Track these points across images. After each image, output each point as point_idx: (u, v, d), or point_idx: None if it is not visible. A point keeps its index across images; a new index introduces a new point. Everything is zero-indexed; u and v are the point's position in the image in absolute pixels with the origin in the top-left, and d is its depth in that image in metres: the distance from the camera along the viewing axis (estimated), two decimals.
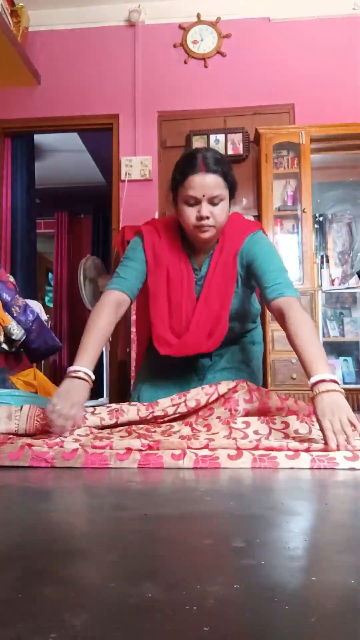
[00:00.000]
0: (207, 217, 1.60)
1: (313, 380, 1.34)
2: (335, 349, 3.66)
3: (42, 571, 0.54)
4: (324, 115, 3.85)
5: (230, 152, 3.97)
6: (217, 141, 3.99)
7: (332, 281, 3.71)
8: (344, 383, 3.52)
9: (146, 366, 1.99)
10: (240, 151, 3.97)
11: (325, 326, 3.63)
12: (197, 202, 1.60)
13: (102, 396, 4.08)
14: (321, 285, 3.60)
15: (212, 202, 1.60)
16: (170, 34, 4.13)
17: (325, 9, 4.00)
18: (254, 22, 4.08)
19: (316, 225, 3.85)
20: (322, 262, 3.75)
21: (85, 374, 1.44)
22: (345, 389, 3.69)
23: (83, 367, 1.45)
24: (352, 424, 1.25)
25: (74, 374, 1.43)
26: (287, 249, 3.77)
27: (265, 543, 0.64)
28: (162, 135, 4.09)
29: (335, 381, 1.33)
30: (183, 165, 1.62)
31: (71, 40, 4.22)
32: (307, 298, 3.51)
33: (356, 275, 3.67)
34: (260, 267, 1.66)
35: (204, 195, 1.59)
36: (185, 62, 4.09)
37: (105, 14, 4.14)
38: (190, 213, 1.62)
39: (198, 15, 4.08)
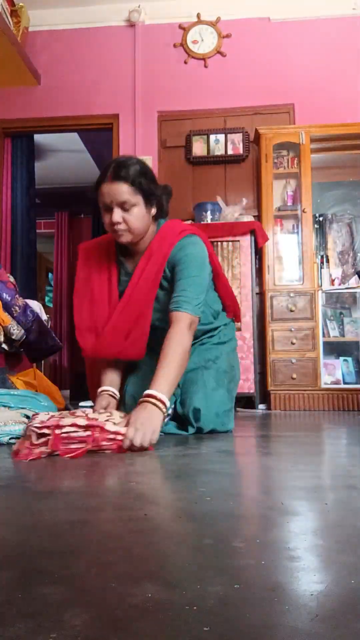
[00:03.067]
0: (119, 223, 1.71)
1: (146, 392, 1.52)
2: (335, 349, 3.66)
3: (42, 571, 0.54)
4: (324, 115, 3.85)
5: (230, 152, 3.97)
6: (217, 141, 3.99)
7: (332, 281, 3.71)
8: (344, 383, 3.52)
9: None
10: (240, 151, 3.97)
11: (325, 326, 3.63)
12: (109, 208, 1.71)
13: None
14: (321, 285, 3.60)
15: (123, 208, 1.70)
16: (170, 34, 4.13)
17: (325, 9, 4.00)
18: (254, 22, 4.08)
19: (316, 225, 3.85)
20: (322, 262, 3.75)
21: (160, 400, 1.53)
22: (345, 389, 3.68)
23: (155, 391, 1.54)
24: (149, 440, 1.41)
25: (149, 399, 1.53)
26: (287, 249, 3.77)
27: (265, 543, 0.64)
28: (162, 135, 4.09)
29: (162, 402, 1.51)
30: (100, 174, 1.74)
31: (71, 40, 4.22)
32: (307, 298, 3.51)
33: (356, 275, 3.67)
34: (177, 273, 1.76)
35: (112, 202, 1.69)
36: (185, 62, 4.09)
37: (105, 14, 4.14)
38: (106, 219, 1.74)
39: (198, 15, 4.08)
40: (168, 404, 1.54)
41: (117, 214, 1.70)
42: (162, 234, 1.82)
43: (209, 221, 3.65)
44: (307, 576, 0.53)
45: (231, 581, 0.51)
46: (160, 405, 1.51)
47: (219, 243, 3.55)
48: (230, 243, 3.54)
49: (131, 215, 1.71)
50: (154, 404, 1.50)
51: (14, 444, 1.53)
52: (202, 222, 3.64)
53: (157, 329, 1.81)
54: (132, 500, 0.89)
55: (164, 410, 1.52)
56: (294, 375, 3.43)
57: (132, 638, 0.41)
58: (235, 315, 2.14)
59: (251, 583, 0.51)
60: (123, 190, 1.68)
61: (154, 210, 1.80)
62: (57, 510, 0.81)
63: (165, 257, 1.78)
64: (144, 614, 0.44)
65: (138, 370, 1.97)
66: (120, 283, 1.89)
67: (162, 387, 1.54)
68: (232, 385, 1.98)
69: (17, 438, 1.56)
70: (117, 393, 1.82)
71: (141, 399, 1.53)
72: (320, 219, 3.88)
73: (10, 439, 1.55)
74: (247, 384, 3.37)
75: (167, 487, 0.99)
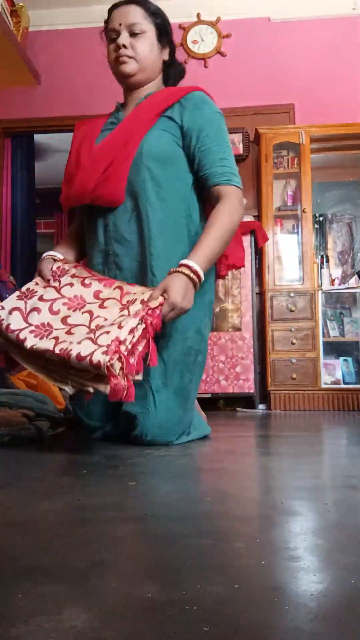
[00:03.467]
0: (125, 46, 1.56)
1: (181, 261, 1.38)
2: (335, 349, 3.66)
3: (42, 571, 0.54)
4: (324, 115, 3.85)
5: None
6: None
7: (332, 281, 3.71)
8: (344, 383, 3.52)
9: None
10: (240, 151, 3.96)
11: (325, 326, 3.62)
12: (117, 34, 1.58)
13: None
14: (321, 285, 3.60)
15: (132, 32, 1.56)
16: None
17: (325, 9, 4.00)
18: (254, 22, 4.08)
19: (316, 225, 3.84)
20: (322, 262, 3.75)
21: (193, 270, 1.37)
22: (345, 389, 3.68)
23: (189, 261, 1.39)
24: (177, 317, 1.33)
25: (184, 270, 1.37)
26: (287, 249, 3.77)
27: (265, 543, 0.64)
28: None
29: (198, 275, 1.37)
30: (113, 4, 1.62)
31: (71, 40, 4.21)
32: (307, 298, 3.51)
33: (356, 275, 3.67)
34: (206, 142, 1.52)
35: (120, 24, 1.57)
36: (185, 62, 4.09)
37: (105, 14, 4.13)
38: (112, 48, 1.61)
39: (198, 15, 4.08)
40: (203, 278, 1.38)
41: (125, 37, 1.56)
42: (171, 89, 1.63)
43: None
44: (307, 576, 0.53)
45: (231, 581, 0.51)
46: (195, 278, 1.35)
47: None
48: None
49: (140, 41, 1.56)
50: (188, 276, 1.35)
51: (14, 444, 1.53)
52: None
53: (154, 210, 1.52)
54: (132, 500, 0.89)
55: (198, 285, 1.38)
56: (294, 375, 3.43)
57: (132, 638, 0.41)
58: (236, 263, 1.84)
59: (251, 583, 0.51)
60: (136, 12, 1.56)
61: (165, 55, 1.64)
62: (57, 510, 0.81)
63: (168, 101, 1.54)
64: (144, 614, 0.44)
65: None
66: (105, 129, 1.66)
67: (201, 258, 1.38)
68: (186, 379, 1.52)
69: (17, 438, 1.56)
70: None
71: (173, 269, 1.36)
72: (320, 219, 3.88)
73: (10, 439, 1.55)
74: (247, 384, 3.37)
75: (167, 487, 0.99)
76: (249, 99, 4.01)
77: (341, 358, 3.63)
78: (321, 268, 3.71)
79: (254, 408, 3.38)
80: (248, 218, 3.71)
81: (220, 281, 3.60)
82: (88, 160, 1.54)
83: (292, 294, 3.52)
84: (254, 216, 3.85)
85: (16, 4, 3.93)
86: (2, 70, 3.94)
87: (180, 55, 4.11)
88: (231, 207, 1.47)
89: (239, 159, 3.98)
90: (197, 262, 1.37)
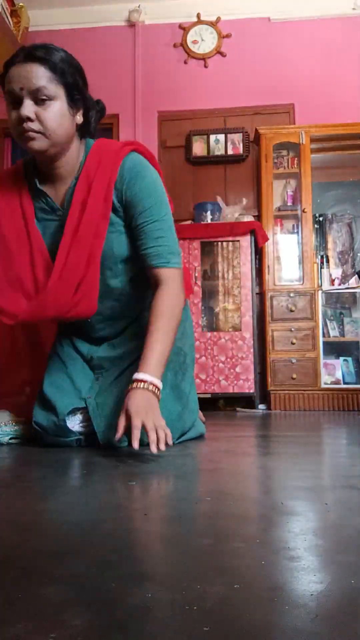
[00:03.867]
0: (29, 119, 1.27)
1: (136, 375, 1.27)
2: (335, 349, 3.66)
3: (42, 571, 0.54)
4: (324, 115, 3.85)
5: (230, 152, 3.97)
6: (217, 141, 3.99)
7: (332, 281, 3.71)
8: (344, 383, 3.52)
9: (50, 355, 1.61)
10: (240, 151, 3.97)
11: (325, 326, 3.63)
12: (18, 99, 1.28)
13: None
14: (321, 285, 3.60)
15: (37, 99, 1.27)
16: (170, 34, 4.13)
17: (325, 9, 4.00)
18: (254, 22, 4.08)
19: (316, 225, 3.85)
20: (322, 262, 3.75)
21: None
22: (345, 389, 3.68)
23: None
24: (159, 428, 1.20)
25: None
26: (287, 249, 3.77)
27: (265, 543, 0.64)
28: (162, 135, 4.09)
29: (157, 387, 1.27)
30: (9, 58, 1.31)
31: (71, 40, 4.21)
32: (307, 298, 3.51)
33: (356, 275, 3.67)
34: (141, 215, 1.38)
35: (22, 89, 1.26)
36: (185, 62, 4.09)
37: (105, 14, 4.14)
38: (13, 116, 1.30)
39: (198, 15, 4.08)
40: (160, 386, 1.29)
41: (28, 106, 1.26)
42: (96, 152, 1.41)
43: (209, 221, 3.65)
44: (307, 576, 0.53)
45: (231, 581, 0.51)
46: (155, 390, 1.26)
47: (219, 243, 3.56)
48: (230, 243, 3.54)
49: (47, 110, 1.28)
50: (149, 390, 1.25)
51: (14, 443, 1.53)
52: (202, 222, 3.64)
53: (111, 292, 1.46)
54: (132, 500, 0.89)
55: (159, 396, 1.28)
56: (294, 375, 3.43)
57: (132, 638, 0.40)
58: (186, 286, 1.52)
59: (251, 583, 0.51)
60: (39, 74, 1.26)
61: (79, 118, 1.38)
62: (57, 510, 0.81)
63: (112, 181, 1.37)
64: (144, 614, 0.44)
65: (49, 372, 1.51)
66: (39, 220, 1.44)
67: (153, 368, 1.28)
68: (179, 377, 1.53)
69: (17, 438, 1.56)
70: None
71: (130, 386, 1.27)
72: (320, 219, 3.88)
73: (10, 439, 1.55)
74: (247, 384, 3.37)
75: (167, 487, 0.99)
76: (249, 99, 4.01)
77: (341, 358, 3.63)
78: (321, 268, 3.71)
79: (254, 408, 3.38)
80: (248, 218, 3.72)
81: (221, 281, 3.61)
82: (52, 282, 1.39)
83: (292, 294, 3.52)
84: (254, 216, 3.85)
85: (16, 4, 3.93)
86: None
87: (180, 55, 4.14)
88: (171, 297, 1.36)
89: (239, 159, 3.98)
90: (152, 374, 1.27)
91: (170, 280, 1.38)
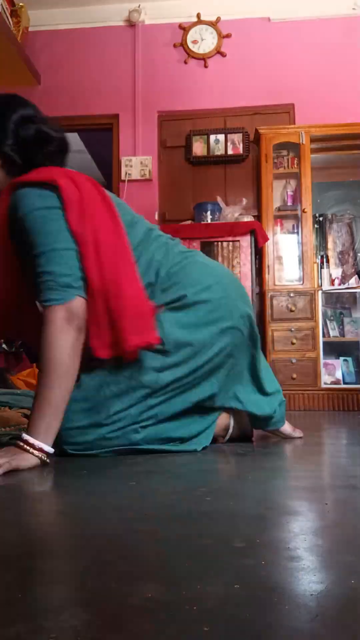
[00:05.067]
0: None
1: (24, 436, 1.18)
2: (335, 349, 3.66)
3: (42, 571, 0.54)
4: (324, 115, 3.85)
5: (230, 152, 3.97)
6: (217, 141, 3.99)
7: (332, 281, 3.71)
8: (344, 383, 3.53)
9: None
10: (240, 151, 3.97)
11: (325, 326, 3.63)
12: None
13: None
14: (321, 285, 3.60)
15: None
16: (170, 34, 4.13)
17: (325, 9, 4.00)
18: (254, 22, 4.08)
19: (316, 225, 3.85)
20: (322, 262, 3.75)
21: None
22: (345, 389, 3.67)
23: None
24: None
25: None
26: (287, 249, 3.78)
27: (265, 543, 0.64)
28: (162, 135, 4.09)
29: (38, 448, 1.16)
30: None
31: (71, 40, 4.21)
32: (307, 298, 3.51)
33: (356, 275, 3.67)
34: (29, 255, 1.28)
35: None
36: (185, 62, 4.09)
37: (105, 14, 4.14)
38: None
39: (198, 15, 4.08)
40: (48, 449, 1.18)
41: None
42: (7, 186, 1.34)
43: (209, 221, 3.65)
44: (307, 576, 0.53)
45: (231, 581, 0.51)
46: (35, 452, 1.16)
47: (219, 243, 3.56)
48: (230, 243, 3.54)
49: None
50: (25, 449, 1.16)
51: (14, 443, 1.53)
52: (202, 222, 3.64)
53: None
54: (132, 500, 0.89)
55: (43, 457, 1.17)
56: (294, 375, 3.43)
57: (132, 638, 0.40)
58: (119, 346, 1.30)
59: (251, 583, 0.51)
60: None
61: (5, 147, 1.32)
62: (57, 511, 0.81)
63: (4, 215, 1.31)
64: (144, 614, 0.44)
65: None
66: None
67: (38, 430, 1.18)
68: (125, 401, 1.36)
69: (17, 438, 1.56)
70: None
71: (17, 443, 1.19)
72: (320, 219, 3.88)
73: (10, 439, 1.54)
74: None
75: (167, 487, 0.99)
76: (249, 99, 4.01)
77: (341, 358, 3.63)
78: (321, 268, 3.71)
79: None
80: (248, 218, 3.71)
81: None
82: None
83: (292, 294, 3.52)
84: (254, 216, 3.85)
85: (16, 4, 3.93)
86: (2, 70, 3.93)
87: (180, 55, 4.14)
88: (47, 342, 1.21)
89: (239, 159, 3.98)
90: (35, 433, 1.18)
91: (47, 321, 1.23)
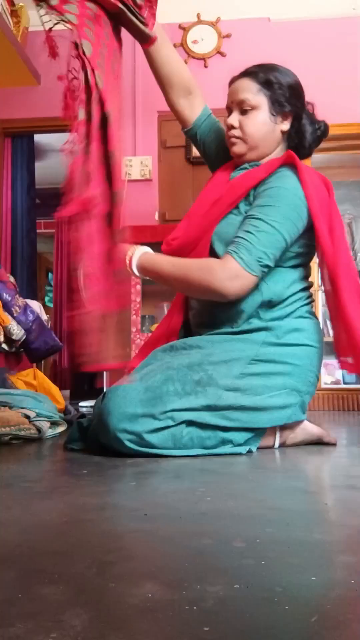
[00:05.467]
0: (232, 127, 1.47)
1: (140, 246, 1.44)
2: None
3: (42, 571, 0.54)
4: (323, 115, 3.84)
5: None
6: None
7: None
8: (344, 383, 3.52)
9: None
10: None
11: (325, 326, 3.62)
12: (230, 112, 1.53)
13: None
14: (321, 285, 3.60)
15: (242, 109, 1.47)
16: (170, 34, 4.11)
17: (325, 9, 4.00)
18: (254, 22, 4.08)
19: None
20: None
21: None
22: (345, 389, 3.67)
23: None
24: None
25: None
26: None
27: (265, 543, 0.64)
28: (162, 135, 4.09)
29: (130, 259, 1.40)
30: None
31: (71, 41, 4.21)
32: None
33: None
34: (251, 210, 1.40)
35: (232, 102, 1.49)
36: (185, 62, 4.09)
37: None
38: (227, 126, 1.53)
39: (198, 15, 4.08)
40: (134, 268, 1.40)
41: (234, 116, 1.48)
42: (269, 162, 1.46)
43: None
44: (307, 576, 0.53)
45: (231, 581, 0.51)
46: (130, 254, 1.40)
47: None
48: None
49: (249, 119, 1.45)
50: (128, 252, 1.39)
51: (14, 444, 1.53)
52: None
53: None
54: (132, 500, 0.89)
55: (129, 265, 1.40)
56: None
57: (132, 638, 0.41)
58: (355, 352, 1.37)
59: (251, 583, 0.51)
60: (244, 87, 1.46)
61: (285, 126, 1.48)
62: (57, 510, 0.81)
63: (257, 181, 1.43)
64: (144, 614, 0.44)
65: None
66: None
67: (146, 259, 1.41)
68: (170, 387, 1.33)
69: (17, 438, 1.56)
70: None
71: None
72: None
73: (10, 439, 1.55)
74: None
75: (167, 487, 0.99)
76: None
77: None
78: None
79: None
80: None
81: None
82: (183, 225, 1.62)
83: None
84: None
85: (16, 4, 3.93)
86: (2, 70, 3.94)
87: (180, 55, 4.12)
88: (210, 267, 1.35)
89: None
90: (140, 258, 1.40)
91: (224, 263, 1.34)
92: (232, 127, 1.47)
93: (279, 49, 4.02)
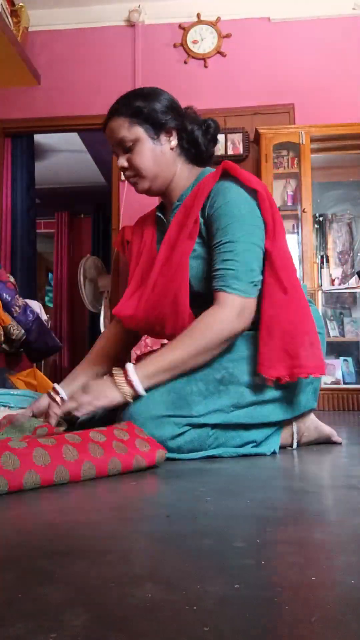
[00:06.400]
0: (124, 168, 1.42)
1: (126, 365, 1.24)
2: (335, 349, 3.66)
3: (42, 571, 0.54)
4: (324, 115, 3.85)
5: (230, 152, 3.97)
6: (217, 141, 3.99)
7: (332, 281, 3.71)
8: (344, 383, 3.52)
9: None
10: (240, 151, 3.97)
11: (325, 326, 3.63)
12: (116, 155, 1.45)
13: None
14: (321, 285, 3.60)
15: (124, 148, 1.40)
16: (170, 34, 4.13)
17: (325, 9, 4.00)
18: (254, 22, 4.08)
19: (316, 225, 3.85)
20: (322, 262, 3.75)
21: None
22: (345, 389, 3.68)
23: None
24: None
25: None
26: None
27: (265, 543, 0.64)
28: None
29: (130, 383, 1.21)
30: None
31: (71, 40, 4.21)
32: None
33: (356, 275, 3.67)
34: (216, 234, 1.32)
35: (113, 145, 1.44)
36: (185, 62, 4.09)
37: (105, 14, 4.14)
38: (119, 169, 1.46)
39: (198, 15, 4.08)
40: (140, 390, 1.21)
41: (121, 158, 1.42)
42: (203, 181, 1.40)
43: None
44: (307, 576, 0.53)
45: (231, 581, 0.51)
46: (125, 386, 1.20)
47: None
48: None
49: (136, 154, 1.39)
50: (115, 382, 1.21)
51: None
52: None
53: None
54: (132, 500, 0.89)
55: (128, 394, 1.21)
56: None
57: (132, 638, 0.40)
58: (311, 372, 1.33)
59: (251, 583, 0.51)
60: (116, 127, 1.40)
61: (174, 143, 1.43)
62: (57, 511, 0.81)
63: (202, 202, 1.36)
64: (144, 614, 0.44)
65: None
66: (159, 242, 1.50)
67: (144, 367, 1.23)
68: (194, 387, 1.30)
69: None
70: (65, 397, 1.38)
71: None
72: (320, 219, 3.88)
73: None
74: None
75: (167, 487, 0.99)
76: (249, 99, 4.01)
77: (341, 358, 3.63)
78: (321, 268, 3.71)
79: None
80: None
81: None
82: (147, 297, 1.43)
83: None
84: None
85: (16, 4, 3.93)
86: (2, 70, 3.94)
87: (180, 55, 4.14)
88: (214, 317, 1.26)
89: (239, 159, 3.98)
90: (137, 370, 1.23)
91: (224, 305, 1.27)
92: (124, 169, 1.43)
93: (279, 49, 4.03)
